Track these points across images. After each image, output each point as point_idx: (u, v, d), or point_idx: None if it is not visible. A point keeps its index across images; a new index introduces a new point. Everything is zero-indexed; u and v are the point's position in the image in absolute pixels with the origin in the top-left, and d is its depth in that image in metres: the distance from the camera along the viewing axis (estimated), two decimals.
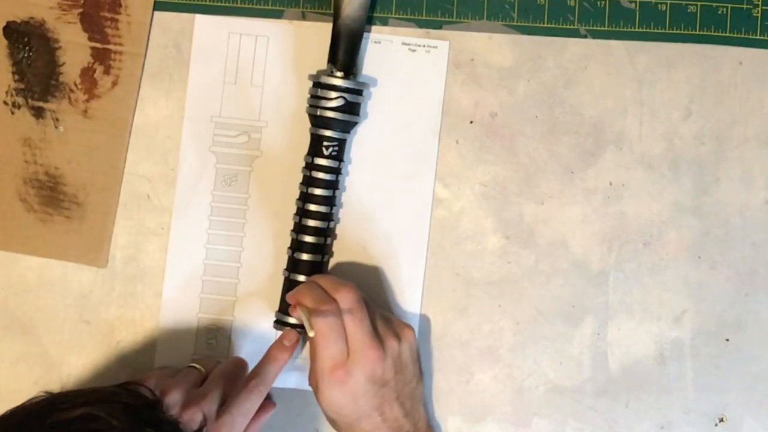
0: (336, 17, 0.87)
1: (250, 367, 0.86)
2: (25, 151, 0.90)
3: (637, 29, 0.91)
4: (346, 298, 0.82)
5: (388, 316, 0.87)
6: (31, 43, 0.90)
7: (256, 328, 0.90)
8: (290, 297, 0.85)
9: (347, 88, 0.87)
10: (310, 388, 0.89)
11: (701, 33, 0.91)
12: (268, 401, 0.87)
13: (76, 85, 0.90)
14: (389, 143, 0.91)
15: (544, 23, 0.91)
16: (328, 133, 0.87)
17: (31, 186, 0.90)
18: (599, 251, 0.91)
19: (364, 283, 0.89)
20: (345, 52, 0.88)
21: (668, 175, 0.91)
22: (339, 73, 0.87)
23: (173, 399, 0.80)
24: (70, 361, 0.90)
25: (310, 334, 0.80)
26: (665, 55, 0.91)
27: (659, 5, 0.91)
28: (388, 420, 0.83)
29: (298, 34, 0.91)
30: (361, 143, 0.91)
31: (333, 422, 0.85)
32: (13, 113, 0.90)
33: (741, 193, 0.91)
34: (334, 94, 0.86)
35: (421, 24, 0.91)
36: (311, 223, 0.87)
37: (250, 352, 0.89)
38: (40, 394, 0.68)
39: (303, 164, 0.88)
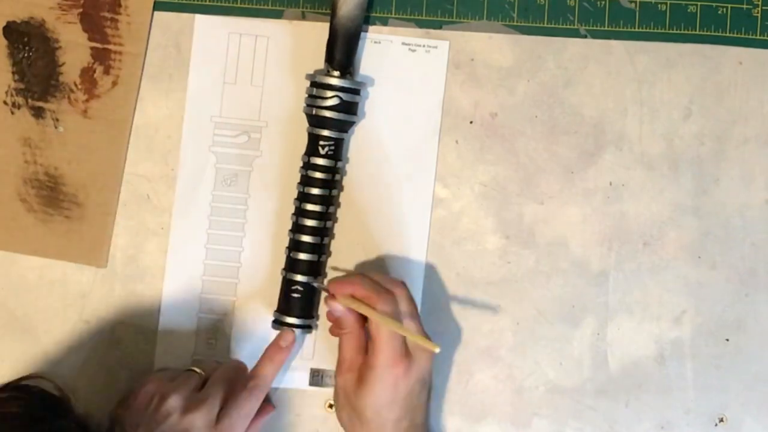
0: (332, 16, 0.87)
1: (249, 368, 0.86)
2: (25, 151, 0.90)
3: (637, 29, 0.91)
4: (403, 294, 0.82)
5: None
6: (31, 43, 0.90)
7: (256, 328, 0.90)
8: (340, 287, 0.82)
9: (343, 87, 0.87)
10: (309, 388, 0.89)
11: (701, 33, 0.91)
12: (267, 403, 0.87)
13: (76, 85, 0.90)
14: (389, 143, 0.91)
15: (544, 23, 0.91)
16: (324, 132, 0.87)
17: (31, 186, 0.90)
18: (599, 251, 0.91)
19: None
20: (341, 51, 0.88)
21: (668, 175, 0.91)
22: (335, 73, 0.87)
23: (173, 404, 0.80)
24: (70, 361, 0.90)
25: (436, 350, 0.79)
26: (665, 55, 0.91)
27: (659, 5, 0.91)
28: (413, 427, 0.83)
29: (297, 34, 0.91)
30: (361, 143, 0.91)
31: (360, 423, 0.83)
32: (13, 113, 0.90)
33: (741, 193, 0.91)
34: (329, 94, 0.86)
35: (421, 24, 0.91)
36: (308, 222, 0.87)
37: (250, 352, 0.89)
38: None
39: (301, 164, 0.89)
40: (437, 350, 0.79)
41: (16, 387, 0.67)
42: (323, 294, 0.88)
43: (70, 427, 0.65)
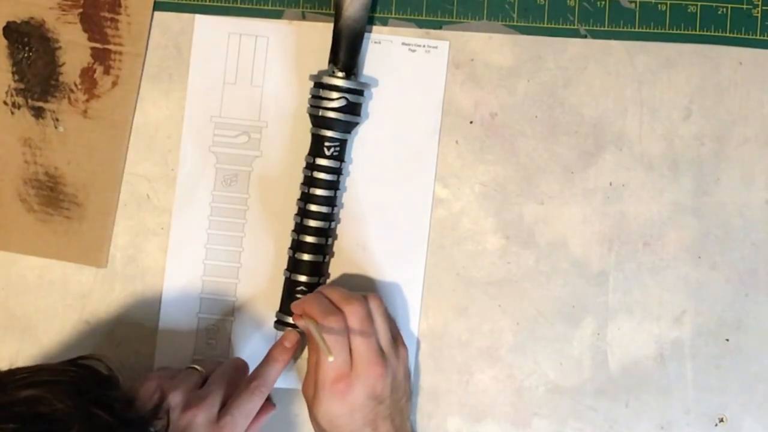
0: (337, 18, 0.87)
1: (251, 368, 0.86)
2: (25, 151, 0.90)
3: (637, 29, 0.91)
4: (354, 311, 0.82)
5: (395, 331, 0.87)
6: (31, 43, 0.90)
7: (257, 328, 0.90)
8: (296, 306, 0.85)
9: (349, 88, 0.87)
10: None
11: (701, 33, 0.91)
12: (269, 402, 0.87)
13: (76, 85, 0.90)
14: (389, 143, 0.91)
15: (544, 23, 0.91)
16: (329, 133, 0.87)
17: (31, 186, 0.90)
18: (599, 251, 0.91)
19: (364, 283, 0.90)
20: (346, 52, 0.88)
21: (668, 175, 0.91)
22: (340, 74, 0.87)
23: (174, 400, 0.80)
24: None
25: (330, 358, 0.79)
26: (665, 55, 0.91)
27: (659, 5, 0.91)
28: None
29: (298, 34, 0.91)
30: (362, 143, 0.91)
31: None
32: (13, 113, 0.90)
33: (741, 193, 0.91)
34: (335, 95, 0.86)
35: (421, 24, 0.91)
36: (312, 223, 0.87)
37: (250, 353, 0.89)
38: None
39: (303, 164, 0.88)
40: (331, 359, 0.79)
41: (69, 362, 0.69)
42: None
43: (118, 398, 0.67)
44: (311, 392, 0.83)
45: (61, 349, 0.90)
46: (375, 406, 0.82)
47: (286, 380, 0.90)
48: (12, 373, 0.67)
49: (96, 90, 0.90)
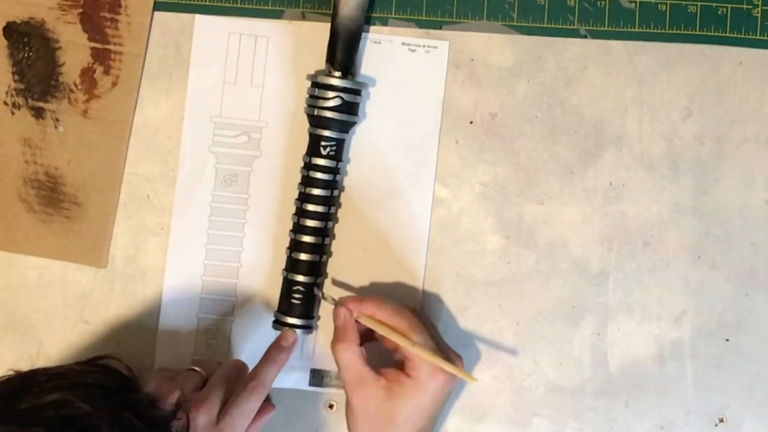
0: (334, 17, 0.87)
1: (250, 368, 0.86)
2: (25, 151, 0.90)
3: (637, 29, 0.91)
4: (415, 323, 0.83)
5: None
6: (31, 43, 0.90)
7: (256, 328, 0.90)
8: (356, 305, 0.83)
9: (345, 87, 0.87)
10: (309, 388, 0.90)
11: (701, 33, 0.91)
12: (268, 403, 0.87)
13: (76, 85, 0.90)
14: (389, 143, 0.91)
15: (544, 23, 0.91)
16: (326, 133, 0.87)
17: (31, 186, 0.90)
18: (599, 251, 0.91)
19: (364, 283, 0.90)
20: (343, 51, 0.88)
21: (668, 175, 0.91)
22: (337, 73, 0.87)
23: (173, 402, 0.79)
24: (70, 361, 0.90)
25: (473, 381, 0.85)
26: (665, 55, 0.91)
27: (659, 5, 0.91)
28: None
29: (297, 34, 0.91)
30: (361, 143, 0.91)
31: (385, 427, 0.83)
32: (13, 113, 0.90)
33: (741, 193, 0.91)
34: (331, 94, 0.86)
35: (421, 24, 0.91)
36: (309, 223, 0.87)
37: (250, 353, 0.89)
38: (8, 374, 0.67)
39: (302, 164, 0.88)
40: (473, 382, 0.85)
41: (89, 363, 0.69)
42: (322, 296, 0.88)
43: (141, 399, 0.67)
44: (378, 393, 0.82)
45: (61, 349, 0.90)
46: (444, 403, 0.85)
47: (286, 380, 0.90)
48: (34, 374, 0.67)
49: (96, 90, 0.90)
